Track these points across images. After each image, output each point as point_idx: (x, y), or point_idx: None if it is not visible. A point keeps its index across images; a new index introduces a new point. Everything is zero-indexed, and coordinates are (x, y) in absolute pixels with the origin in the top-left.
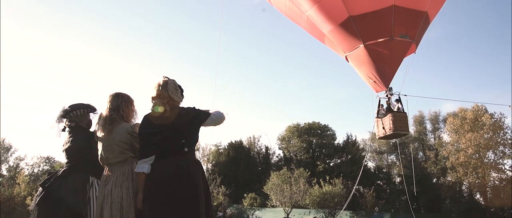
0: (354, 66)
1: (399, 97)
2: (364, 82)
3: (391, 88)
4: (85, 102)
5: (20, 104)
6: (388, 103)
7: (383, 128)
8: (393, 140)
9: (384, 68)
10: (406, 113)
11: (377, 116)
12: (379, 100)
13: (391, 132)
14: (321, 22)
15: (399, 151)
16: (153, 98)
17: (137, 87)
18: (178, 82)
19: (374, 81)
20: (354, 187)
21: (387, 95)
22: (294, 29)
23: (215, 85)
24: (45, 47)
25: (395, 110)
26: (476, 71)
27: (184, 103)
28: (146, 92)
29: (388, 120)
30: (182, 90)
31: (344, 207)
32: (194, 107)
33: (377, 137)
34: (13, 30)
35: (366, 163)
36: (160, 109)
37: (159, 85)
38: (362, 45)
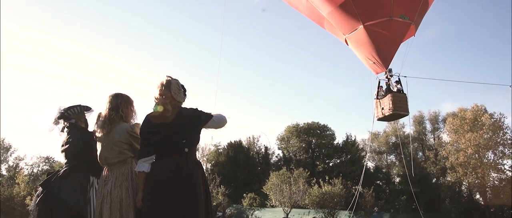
0: (354, 49)
1: (399, 78)
2: (363, 83)
3: (390, 69)
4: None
5: (20, 104)
6: (388, 85)
7: (382, 108)
8: (393, 120)
9: (384, 49)
10: (405, 94)
11: (377, 97)
12: (379, 82)
13: (391, 112)
14: (320, 4)
15: (401, 149)
16: (155, 98)
17: (137, 88)
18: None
19: (374, 63)
20: (358, 188)
21: (386, 77)
22: (293, 29)
23: (217, 86)
24: (44, 47)
25: (395, 90)
26: (476, 71)
27: (186, 104)
28: (147, 92)
29: (387, 100)
30: (185, 91)
31: (349, 207)
32: (196, 108)
33: (376, 119)
34: (13, 30)
35: (366, 163)
36: (160, 108)
37: (162, 84)
38: (361, 26)
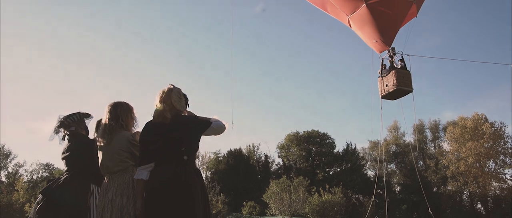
0: (357, 29)
1: (402, 57)
2: (363, 92)
3: (393, 48)
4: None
5: (20, 111)
6: (391, 62)
7: (386, 85)
8: (397, 98)
9: (386, 27)
10: (409, 71)
11: (380, 75)
12: (382, 61)
13: (395, 88)
14: None
15: (413, 154)
16: (156, 104)
17: (144, 96)
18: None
19: (376, 41)
20: (372, 199)
21: (390, 55)
22: (294, 38)
23: (232, 97)
24: (45, 54)
25: (399, 67)
26: (477, 77)
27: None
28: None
29: (391, 77)
30: (187, 100)
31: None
32: (195, 116)
33: (380, 97)
34: (13, 34)
35: (366, 172)
36: (160, 107)
37: (163, 92)
38: (364, 5)
